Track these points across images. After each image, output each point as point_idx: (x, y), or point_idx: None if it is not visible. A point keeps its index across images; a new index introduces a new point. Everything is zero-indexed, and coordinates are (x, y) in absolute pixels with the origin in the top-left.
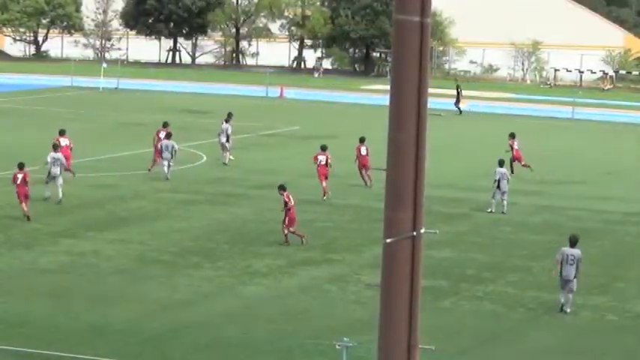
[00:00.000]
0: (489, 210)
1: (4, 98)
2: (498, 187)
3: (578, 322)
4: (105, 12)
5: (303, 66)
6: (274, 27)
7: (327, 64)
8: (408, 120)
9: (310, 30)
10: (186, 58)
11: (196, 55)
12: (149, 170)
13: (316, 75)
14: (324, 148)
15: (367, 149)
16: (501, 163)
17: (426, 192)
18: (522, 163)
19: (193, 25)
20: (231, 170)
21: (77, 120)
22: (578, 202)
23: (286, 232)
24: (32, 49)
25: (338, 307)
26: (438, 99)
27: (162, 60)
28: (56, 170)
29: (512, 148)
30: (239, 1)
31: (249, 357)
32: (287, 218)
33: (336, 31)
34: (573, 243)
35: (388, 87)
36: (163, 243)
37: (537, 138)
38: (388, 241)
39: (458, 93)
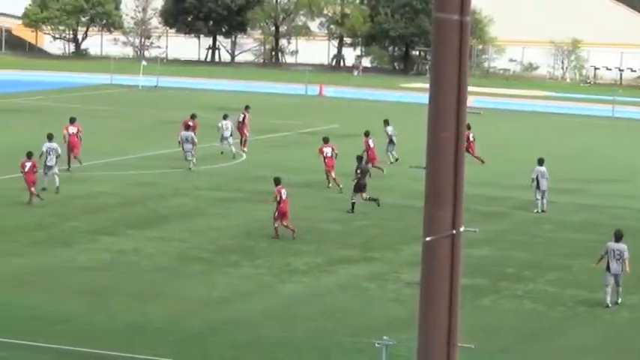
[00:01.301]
0: (535, 210)
1: (43, 96)
2: (538, 186)
3: (618, 320)
4: (144, 10)
5: (342, 64)
6: (314, 25)
7: (366, 62)
8: (447, 118)
9: (350, 28)
10: (226, 57)
11: (236, 53)
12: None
13: (356, 73)
14: (326, 140)
15: (374, 142)
16: (541, 162)
17: (465, 190)
18: (475, 155)
19: (233, 24)
20: (270, 168)
21: (116, 118)
22: (618, 201)
23: (276, 225)
24: (72, 47)
25: (377, 306)
26: (478, 97)
27: (202, 58)
28: (52, 160)
29: (467, 139)
30: (278, 0)
31: (288, 355)
32: (277, 212)
33: (375, 29)
34: (619, 238)
35: (427, 85)
36: (203, 241)
37: (577, 136)
38: (428, 239)
39: None
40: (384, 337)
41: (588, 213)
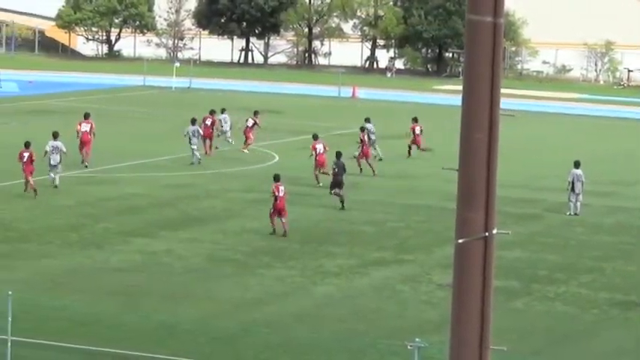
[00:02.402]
0: (568, 213)
1: (76, 97)
2: (572, 188)
3: None
4: (177, 11)
5: (375, 66)
6: (347, 27)
7: (399, 64)
8: (480, 120)
9: (383, 30)
10: (259, 58)
11: (269, 54)
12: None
13: (389, 75)
14: (316, 137)
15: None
16: (577, 165)
17: (497, 192)
18: (421, 147)
19: (266, 25)
20: (302, 170)
21: (149, 119)
22: None
23: (273, 221)
24: (105, 49)
25: (409, 308)
26: (511, 99)
27: (235, 60)
28: (56, 158)
29: (413, 132)
30: (312, 1)
31: (320, 357)
32: (273, 208)
33: (408, 31)
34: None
35: (461, 87)
36: (235, 242)
37: (611, 138)
38: (460, 241)
39: None
40: (417, 339)
41: (621, 215)
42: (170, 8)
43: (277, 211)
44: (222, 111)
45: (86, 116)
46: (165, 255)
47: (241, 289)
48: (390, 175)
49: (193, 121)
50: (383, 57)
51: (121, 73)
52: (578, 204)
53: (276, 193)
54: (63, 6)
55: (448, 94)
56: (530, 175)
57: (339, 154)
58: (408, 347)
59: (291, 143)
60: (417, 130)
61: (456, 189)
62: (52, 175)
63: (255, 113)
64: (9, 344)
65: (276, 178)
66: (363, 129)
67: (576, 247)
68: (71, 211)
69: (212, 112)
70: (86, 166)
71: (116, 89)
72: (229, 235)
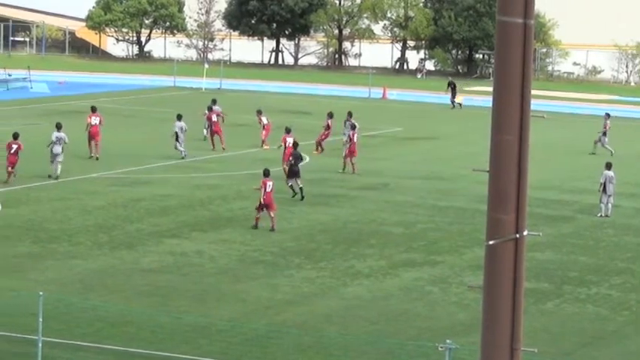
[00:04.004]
0: (599, 214)
1: (107, 98)
2: (604, 190)
3: None
4: (208, 12)
5: (405, 67)
6: (377, 28)
7: (429, 65)
8: (511, 122)
9: (413, 31)
10: (289, 59)
11: (299, 56)
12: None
13: (419, 76)
14: (289, 131)
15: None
16: (609, 166)
17: (528, 194)
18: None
19: (296, 26)
20: (333, 171)
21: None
22: None
23: (257, 215)
24: (135, 50)
25: (440, 309)
26: (541, 101)
27: (265, 61)
28: (58, 149)
29: (260, 123)
30: (342, 2)
31: (351, 358)
32: (259, 203)
33: (438, 32)
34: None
35: (491, 89)
36: (265, 243)
37: None
38: (491, 242)
39: (452, 89)
40: (447, 341)
41: None
42: (200, 9)
43: (263, 206)
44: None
45: (93, 110)
46: (196, 256)
47: (272, 290)
48: (421, 176)
49: (179, 117)
50: (413, 58)
51: (152, 74)
52: (610, 205)
53: (264, 189)
54: (93, 7)
55: (478, 96)
56: (561, 177)
57: (295, 145)
58: (439, 349)
59: (325, 144)
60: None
61: (486, 190)
62: (52, 165)
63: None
64: (39, 344)
65: (266, 173)
66: (354, 126)
67: (607, 248)
68: (102, 212)
69: (214, 101)
70: (97, 159)
71: (146, 90)
72: (259, 236)
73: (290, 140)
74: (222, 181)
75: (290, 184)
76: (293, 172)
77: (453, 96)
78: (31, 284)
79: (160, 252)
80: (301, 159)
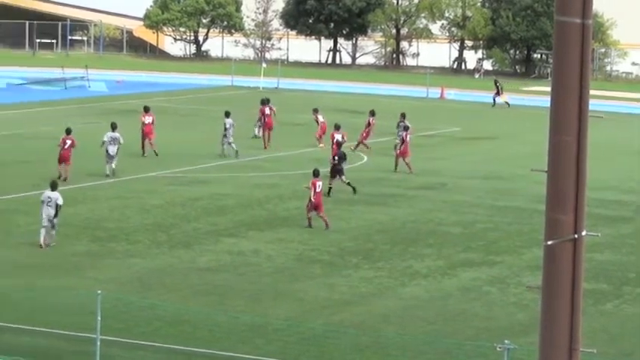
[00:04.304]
0: None
1: (164, 97)
2: None
3: None
4: (265, 12)
5: (463, 67)
6: (435, 28)
7: (487, 65)
8: (569, 122)
9: (471, 31)
10: (347, 59)
11: (356, 55)
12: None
13: (477, 76)
14: (338, 127)
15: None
16: None
17: (586, 194)
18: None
19: (354, 26)
20: (390, 171)
21: (237, 119)
22: None
23: (309, 215)
24: (192, 49)
25: (498, 309)
26: (599, 101)
27: (323, 60)
28: (113, 149)
29: (317, 122)
30: (399, 2)
31: (408, 358)
32: (309, 203)
33: (496, 32)
34: None
35: (549, 89)
36: (322, 243)
37: None
38: (550, 243)
39: (497, 88)
40: (506, 341)
41: None
42: (258, 9)
43: (314, 206)
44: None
45: (146, 109)
46: (253, 255)
47: (329, 290)
48: (479, 176)
49: (228, 114)
50: (471, 58)
51: (209, 73)
52: None
53: (314, 189)
54: (151, 6)
55: (536, 96)
56: (619, 177)
57: (339, 144)
58: (497, 349)
59: (379, 144)
60: (321, 118)
61: (545, 190)
62: (107, 166)
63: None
64: (98, 343)
65: (316, 174)
66: (407, 127)
67: None
68: (160, 211)
69: (267, 101)
70: (156, 154)
71: (204, 89)
72: (316, 235)
73: (338, 137)
74: (280, 180)
75: (330, 184)
76: (335, 171)
77: (497, 94)
78: (90, 283)
79: (217, 251)
80: (344, 158)
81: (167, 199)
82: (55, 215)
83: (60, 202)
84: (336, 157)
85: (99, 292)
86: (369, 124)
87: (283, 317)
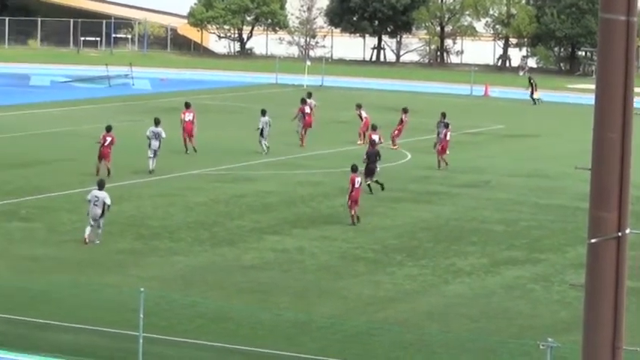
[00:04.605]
0: None
1: (208, 95)
2: None
3: None
4: (309, 9)
5: (507, 64)
6: (479, 25)
7: (532, 62)
8: (613, 119)
9: (515, 28)
10: (391, 56)
11: (401, 53)
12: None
13: (521, 73)
14: (375, 128)
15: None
16: None
17: (630, 192)
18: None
19: (398, 23)
20: (434, 169)
21: (281, 117)
22: None
23: (352, 212)
24: (237, 47)
25: (542, 307)
26: None
27: (367, 58)
28: (156, 144)
29: (360, 117)
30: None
31: (452, 355)
32: (350, 199)
33: (541, 29)
34: None
35: (593, 86)
36: (367, 240)
37: None
38: (593, 241)
39: (532, 85)
40: (549, 339)
41: None
42: (302, 6)
43: (353, 202)
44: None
45: (187, 105)
46: (297, 252)
47: (373, 287)
48: (523, 173)
49: (264, 113)
50: (515, 55)
51: (253, 71)
52: None
53: (353, 185)
54: (195, 4)
55: (581, 93)
56: None
57: (373, 143)
58: (540, 347)
59: (423, 142)
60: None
61: (588, 188)
62: (151, 161)
63: (309, 95)
64: (140, 341)
65: (354, 169)
66: (447, 125)
67: None
68: (203, 209)
69: (307, 97)
70: (195, 150)
71: (248, 87)
72: (361, 233)
73: (376, 137)
74: (323, 177)
75: (368, 182)
76: (369, 171)
77: (532, 92)
78: (133, 280)
79: (260, 249)
80: (378, 157)
81: (211, 196)
82: (102, 215)
83: (108, 201)
84: (368, 156)
85: (142, 289)
86: (401, 121)
87: (327, 315)
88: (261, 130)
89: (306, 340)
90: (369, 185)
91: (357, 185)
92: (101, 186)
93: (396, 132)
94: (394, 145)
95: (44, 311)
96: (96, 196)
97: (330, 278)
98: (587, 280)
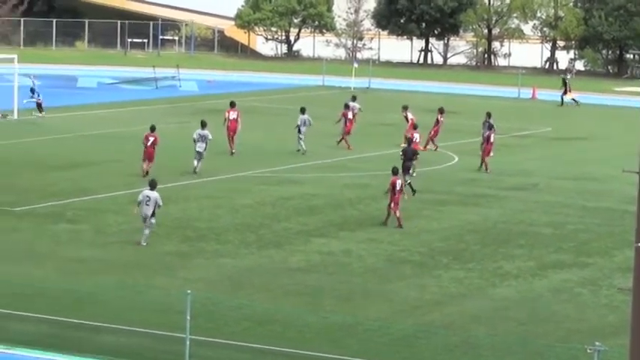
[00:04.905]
0: None
1: (255, 97)
2: None
3: None
4: (357, 12)
5: (555, 67)
6: (527, 28)
7: (579, 65)
8: None
9: (563, 31)
10: (438, 59)
11: (448, 55)
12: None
13: (569, 76)
14: (415, 127)
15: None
16: None
17: None
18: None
19: (445, 26)
20: (481, 171)
21: (328, 119)
22: None
23: (397, 214)
24: (284, 49)
25: (589, 311)
26: None
27: (414, 60)
28: (202, 146)
29: (406, 119)
30: (491, 2)
31: (499, 358)
32: (392, 202)
33: (589, 32)
34: None
35: None
36: (413, 243)
37: None
38: None
39: (565, 85)
40: (596, 343)
41: None
42: (349, 8)
43: (396, 204)
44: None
45: (232, 105)
46: (343, 255)
47: (419, 290)
48: (570, 176)
49: (303, 111)
50: (563, 58)
51: (300, 73)
52: None
53: (394, 187)
54: (242, 6)
55: (629, 96)
56: None
57: (409, 141)
58: (588, 351)
59: (470, 144)
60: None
61: (636, 191)
62: (196, 162)
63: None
64: (187, 342)
65: (395, 172)
66: (491, 126)
67: None
68: (250, 211)
69: (352, 101)
70: (232, 153)
71: (295, 89)
72: (407, 235)
73: (417, 137)
74: (370, 180)
75: (408, 181)
76: (404, 168)
77: (565, 93)
78: (180, 282)
79: (307, 251)
80: (415, 156)
81: (257, 198)
82: (152, 215)
83: (160, 202)
84: (404, 153)
85: (188, 291)
86: (437, 121)
87: (373, 317)
88: (299, 127)
89: (353, 342)
90: (409, 184)
91: (398, 187)
92: (153, 186)
93: (433, 132)
94: (431, 146)
95: (91, 313)
96: (147, 196)
97: (377, 281)
98: (635, 284)
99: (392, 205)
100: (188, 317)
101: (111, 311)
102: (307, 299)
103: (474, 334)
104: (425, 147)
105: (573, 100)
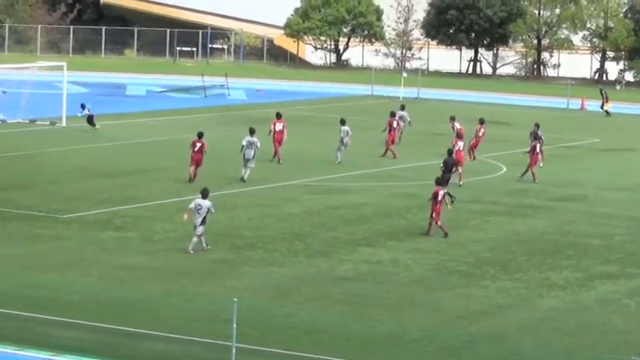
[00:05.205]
0: None
1: (304, 106)
2: None
3: None
4: (406, 21)
5: (605, 78)
6: (576, 38)
7: (629, 76)
8: None
9: (612, 42)
10: (487, 69)
11: (497, 65)
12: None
13: (618, 87)
14: (460, 136)
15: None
16: None
17: None
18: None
19: (494, 36)
20: (530, 181)
21: (376, 129)
22: None
23: (439, 224)
24: (333, 58)
25: (637, 322)
26: None
27: (463, 70)
28: (250, 153)
29: (453, 129)
30: (541, 12)
31: None
32: (434, 212)
33: (638, 43)
34: None
35: None
36: (460, 253)
37: None
38: None
39: (603, 96)
40: None
41: None
42: (399, 18)
43: (437, 214)
44: (343, 122)
45: (278, 116)
46: (391, 265)
47: (466, 300)
48: (619, 187)
49: (343, 122)
50: (612, 69)
51: (349, 82)
52: None
53: (436, 197)
54: (292, 15)
55: None
56: None
57: (450, 152)
58: None
59: (518, 155)
60: (481, 132)
61: None
62: (244, 170)
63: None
64: (233, 351)
65: (438, 182)
66: (537, 137)
67: None
68: (298, 220)
69: (401, 110)
70: (279, 162)
71: (344, 98)
72: (454, 245)
73: (460, 145)
74: (418, 190)
75: (446, 191)
76: (444, 180)
77: (603, 104)
78: (227, 290)
79: (355, 260)
80: (455, 167)
81: (305, 207)
82: (202, 223)
83: (213, 210)
84: (445, 163)
85: (235, 299)
86: (477, 132)
87: (420, 327)
88: (342, 138)
89: (400, 352)
90: (448, 193)
91: (439, 198)
92: (205, 195)
93: (473, 142)
94: (471, 157)
95: (137, 320)
96: (199, 205)
97: (424, 291)
98: None
99: (433, 215)
100: (235, 325)
101: (157, 319)
102: (354, 308)
103: (521, 344)
104: (469, 156)
105: (606, 111)
